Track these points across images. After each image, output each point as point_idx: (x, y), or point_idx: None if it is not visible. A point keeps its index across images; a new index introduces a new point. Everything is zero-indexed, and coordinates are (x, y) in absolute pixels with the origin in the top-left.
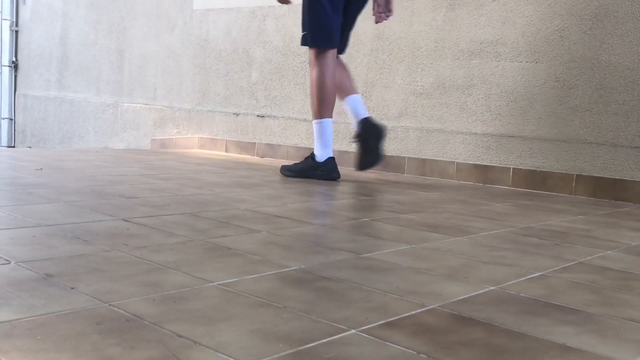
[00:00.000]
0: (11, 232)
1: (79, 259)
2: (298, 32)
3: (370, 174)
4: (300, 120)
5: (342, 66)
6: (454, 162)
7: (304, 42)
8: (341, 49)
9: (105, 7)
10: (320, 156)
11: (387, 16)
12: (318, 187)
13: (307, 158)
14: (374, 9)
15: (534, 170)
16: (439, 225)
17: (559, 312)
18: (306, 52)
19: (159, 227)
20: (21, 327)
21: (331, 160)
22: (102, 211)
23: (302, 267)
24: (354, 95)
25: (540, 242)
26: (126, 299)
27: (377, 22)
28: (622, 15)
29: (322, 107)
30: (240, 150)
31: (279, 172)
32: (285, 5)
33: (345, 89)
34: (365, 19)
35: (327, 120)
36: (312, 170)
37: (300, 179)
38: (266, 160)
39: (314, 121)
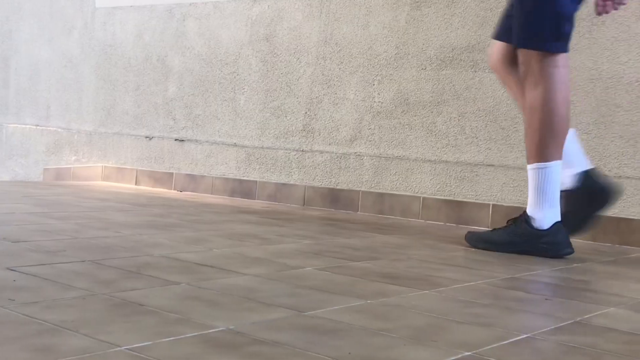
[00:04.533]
0: None
1: None
2: (225, 36)
3: (315, 212)
4: (228, 145)
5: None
6: (420, 197)
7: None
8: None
9: None
10: (543, 220)
11: (618, 6)
12: (249, 229)
13: (516, 221)
14: None
15: (519, 207)
16: (400, 275)
17: None
18: (235, 61)
19: (53, 277)
20: None
21: (559, 227)
22: None
23: (231, 327)
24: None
25: (526, 296)
26: None
27: (599, 13)
28: (629, 16)
29: (550, 143)
30: (154, 183)
31: (465, 241)
32: (209, 4)
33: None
34: (308, 17)
35: (555, 163)
36: (531, 242)
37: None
38: (186, 195)
39: (532, 165)
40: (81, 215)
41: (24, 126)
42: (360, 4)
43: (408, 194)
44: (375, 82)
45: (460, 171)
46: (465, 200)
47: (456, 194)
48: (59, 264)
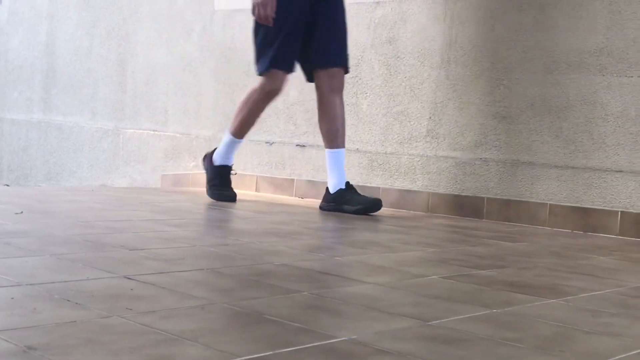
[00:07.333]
0: None
1: (69, 327)
2: (349, 38)
3: (439, 219)
4: (351, 150)
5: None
6: (546, 203)
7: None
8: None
9: (103, 7)
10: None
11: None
12: (372, 236)
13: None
14: None
15: None
16: (527, 284)
17: None
18: (358, 65)
19: (171, 286)
20: None
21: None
22: (99, 266)
23: (354, 337)
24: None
25: None
26: None
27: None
28: None
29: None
30: (274, 189)
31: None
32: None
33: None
34: (433, 20)
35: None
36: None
37: None
38: (307, 202)
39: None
40: (200, 222)
41: (141, 131)
42: (486, 6)
43: (535, 200)
44: (501, 86)
45: (588, 177)
46: (593, 207)
47: (584, 200)
48: (177, 273)
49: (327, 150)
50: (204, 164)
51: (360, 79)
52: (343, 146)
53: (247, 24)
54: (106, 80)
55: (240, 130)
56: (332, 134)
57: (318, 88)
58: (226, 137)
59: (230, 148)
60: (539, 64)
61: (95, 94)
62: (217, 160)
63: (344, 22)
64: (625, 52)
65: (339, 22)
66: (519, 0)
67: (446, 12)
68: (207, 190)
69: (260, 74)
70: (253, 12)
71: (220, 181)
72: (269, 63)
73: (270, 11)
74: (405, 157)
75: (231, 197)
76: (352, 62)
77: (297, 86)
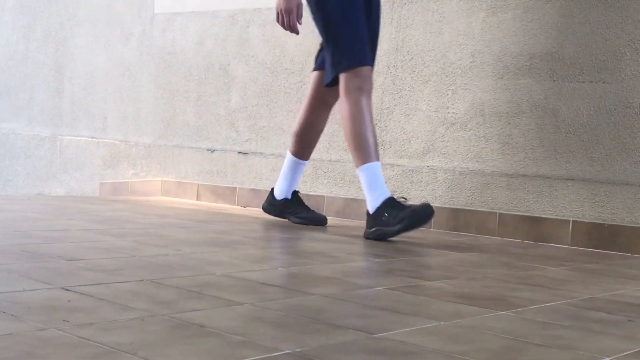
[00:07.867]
0: None
1: (5, 340)
2: (291, 43)
3: None
4: None
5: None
6: (496, 212)
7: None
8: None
9: (40, 10)
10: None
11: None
12: (317, 246)
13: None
14: None
15: (601, 224)
16: (475, 295)
17: None
18: (302, 70)
19: (109, 298)
20: None
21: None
22: (36, 277)
23: (298, 350)
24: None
25: (608, 317)
26: None
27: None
28: None
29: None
30: (216, 198)
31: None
32: (274, 10)
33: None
34: (382, 22)
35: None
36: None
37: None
38: (250, 211)
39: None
40: (139, 232)
41: (79, 138)
42: (434, 9)
43: (483, 209)
44: (449, 92)
45: (539, 185)
46: (543, 216)
47: (534, 209)
48: (115, 284)
49: (289, 154)
50: (370, 218)
51: (303, 84)
52: (307, 159)
53: (188, 27)
54: (43, 85)
55: (372, 151)
56: (306, 144)
57: (313, 89)
58: (362, 172)
59: (376, 176)
60: (488, 69)
61: (31, 100)
62: (377, 198)
63: (378, 30)
64: (577, 57)
65: (375, 26)
66: (469, 3)
67: (393, 15)
68: (370, 234)
69: (347, 69)
70: (277, 20)
71: (390, 212)
72: (353, 60)
73: (296, 18)
74: (350, 164)
75: (415, 220)
76: (296, 67)
77: (239, 91)
